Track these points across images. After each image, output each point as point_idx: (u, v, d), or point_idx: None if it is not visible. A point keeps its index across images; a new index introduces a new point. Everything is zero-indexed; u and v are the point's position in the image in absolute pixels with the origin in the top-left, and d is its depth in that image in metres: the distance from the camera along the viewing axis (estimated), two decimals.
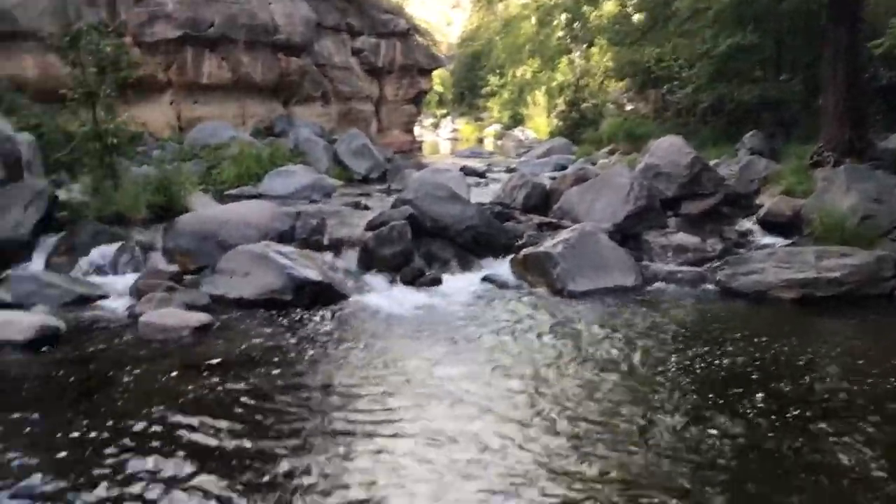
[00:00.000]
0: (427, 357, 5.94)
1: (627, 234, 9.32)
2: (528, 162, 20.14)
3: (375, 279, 8.09)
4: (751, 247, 9.43)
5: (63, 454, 4.18)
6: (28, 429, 4.50)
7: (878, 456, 4.25)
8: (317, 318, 6.86)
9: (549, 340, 6.41)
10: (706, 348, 6.13)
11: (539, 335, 6.54)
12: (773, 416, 4.79)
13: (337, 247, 8.59)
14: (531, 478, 3.99)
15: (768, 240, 9.77)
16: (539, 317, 7.10)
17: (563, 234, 8.62)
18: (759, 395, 5.13)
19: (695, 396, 5.18)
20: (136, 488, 3.80)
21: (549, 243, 8.49)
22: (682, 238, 9.32)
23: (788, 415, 4.84)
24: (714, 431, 4.55)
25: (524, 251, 8.60)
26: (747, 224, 10.36)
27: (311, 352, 6.01)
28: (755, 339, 6.34)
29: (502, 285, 8.18)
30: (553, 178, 12.70)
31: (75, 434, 4.42)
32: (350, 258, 8.37)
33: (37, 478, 3.88)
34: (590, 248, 8.32)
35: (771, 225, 10.08)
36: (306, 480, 3.90)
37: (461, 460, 4.17)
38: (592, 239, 8.45)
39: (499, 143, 35.32)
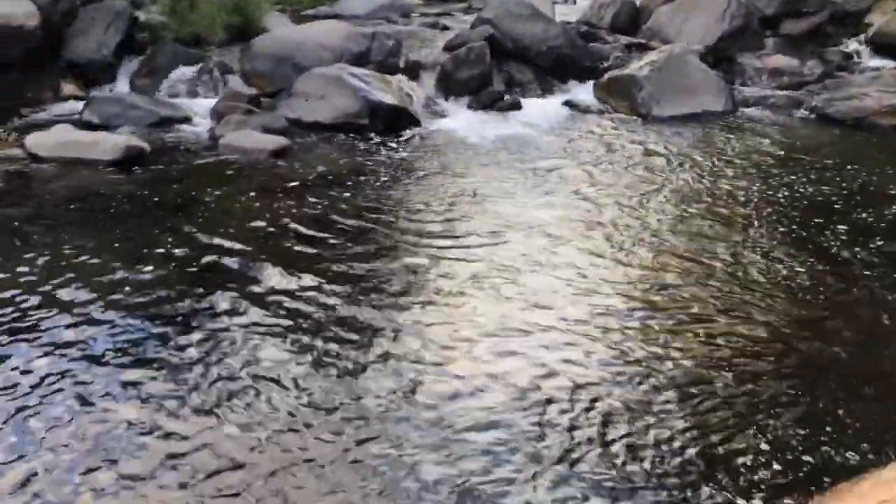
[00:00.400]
0: (503, 185, 5.87)
1: (720, 57, 8.79)
2: None
3: (452, 104, 7.93)
4: (855, 70, 8.80)
5: (147, 268, 4.35)
6: (116, 244, 4.69)
7: None
8: (392, 144, 6.82)
9: (629, 168, 6.24)
10: (793, 177, 5.89)
11: (619, 163, 6.38)
12: (857, 248, 4.63)
13: (413, 69, 8.35)
14: (602, 309, 3.98)
15: (876, 62, 9.11)
16: (620, 143, 6.90)
17: (651, 56, 8.23)
18: (845, 226, 4.94)
19: (779, 227, 5.02)
20: (209, 310, 3.93)
21: (634, 65, 8.14)
22: (779, 60, 8.81)
23: (874, 246, 4.66)
24: (797, 268, 4.42)
25: (608, 74, 8.26)
26: (854, 45, 9.60)
27: (385, 178, 6.01)
28: (846, 168, 6.05)
29: (585, 110, 7.94)
30: None
31: (159, 250, 4.59)
32: (427, 81, 8.18)
33: (121, 292, 4.09)
34: (678, 71, 7.96)
35: (881, 46, 9.33)
36: (375, 314, 3.93)
37: (533, 289, 4.17)
38: (682, 61, 8.05)
39: None
